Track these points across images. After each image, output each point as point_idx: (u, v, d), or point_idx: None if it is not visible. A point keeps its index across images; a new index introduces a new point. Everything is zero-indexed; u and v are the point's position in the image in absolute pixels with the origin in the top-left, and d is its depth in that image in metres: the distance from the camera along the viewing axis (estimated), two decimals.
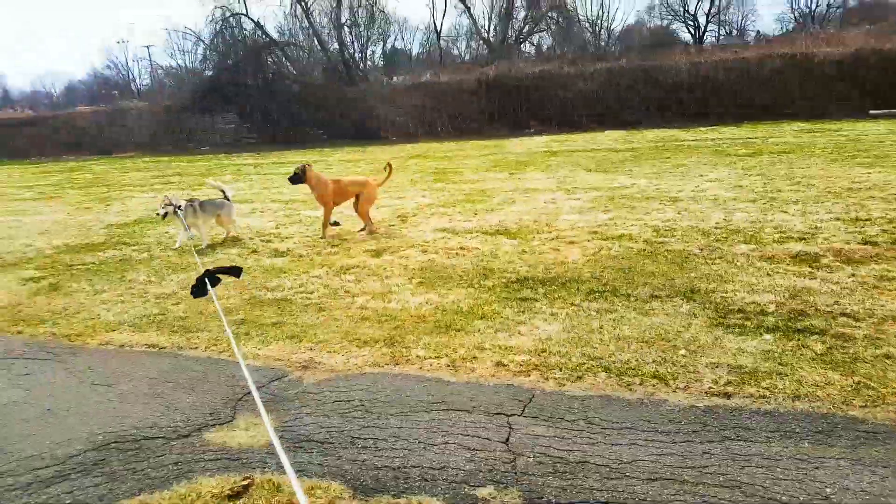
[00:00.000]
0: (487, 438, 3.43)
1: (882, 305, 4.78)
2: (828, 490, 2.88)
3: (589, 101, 22.12)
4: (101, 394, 4.24)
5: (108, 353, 4.96)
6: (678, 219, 7.86)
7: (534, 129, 22.10)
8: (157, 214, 7.91)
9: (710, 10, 47.52)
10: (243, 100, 26.34)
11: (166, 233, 9.19)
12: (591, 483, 3.03)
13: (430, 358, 4.42)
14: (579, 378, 4.04)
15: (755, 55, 21.55)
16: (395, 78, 33.39)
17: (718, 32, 50.07)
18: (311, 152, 21.53)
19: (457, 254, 7.06)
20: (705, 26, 48.24)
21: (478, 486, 3.05)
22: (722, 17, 49.67)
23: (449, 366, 4.31)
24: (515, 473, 3.13)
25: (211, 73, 29.42)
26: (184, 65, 41.38)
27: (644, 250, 6.66)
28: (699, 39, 46.72)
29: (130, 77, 65.73)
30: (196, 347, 4.94)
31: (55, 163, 27.46)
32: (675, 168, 11.64)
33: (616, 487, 2.99)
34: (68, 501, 3.12)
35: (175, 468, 3.33)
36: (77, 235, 9.67)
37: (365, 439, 3.48)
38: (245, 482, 3.15)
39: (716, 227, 7.35)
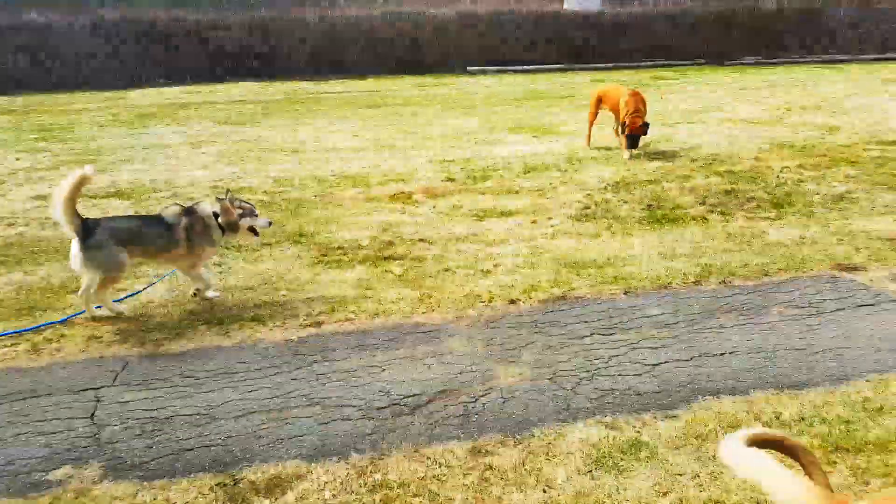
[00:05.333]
0: (70, 418, 3.23)
1: (450, 230, 5.71)
2: (389, 387, 3.39)
3: (227, 50, 21.19)
4: None
5: None
6: (298, 169, 8.15)
7: (163, 80, 20.41)
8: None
9: None
10: None
11: None
12: (179, 434, 3.08)
13: (5, 347, 3.93)
14: (179, 335, 4.01)
15: (378, 13, 22.98)
16: None
17: None
18: None
19: (56, 224, 6.28)
20: None
21: (52, 470, 2.86)
22: None
23: (30, 351, 3.88)
24: (98, 446, 3.02)
25: None
26: None
27: (262, 201, 6.77)
28: None
29: None
30: None
31: None
32: (303, 120, 11.98)
33: (203, 432, 3.09)
34: None
35: None
36: None
37: None
38: None
39: (331, 175, 7.82)
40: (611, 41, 21.38)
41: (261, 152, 9.16)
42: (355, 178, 7.62)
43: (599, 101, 8.77)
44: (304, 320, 4.15)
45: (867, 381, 3.34)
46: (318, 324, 4.11)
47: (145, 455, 2.94)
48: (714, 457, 2.78)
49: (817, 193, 6.54)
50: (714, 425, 2.99)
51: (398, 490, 2.68)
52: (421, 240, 5.47)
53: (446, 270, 4.82)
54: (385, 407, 3.23)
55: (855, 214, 5.91)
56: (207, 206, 4.38)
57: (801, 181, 7.00)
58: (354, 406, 3.25)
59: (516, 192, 6.86)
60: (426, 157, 8.65)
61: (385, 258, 5.10)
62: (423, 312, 4.20)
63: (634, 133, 8.04)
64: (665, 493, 2.59)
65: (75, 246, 4.04)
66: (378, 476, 2.77)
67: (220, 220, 4.35)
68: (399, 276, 4.77)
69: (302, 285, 4.67)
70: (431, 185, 7.23)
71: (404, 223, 5.93)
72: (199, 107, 13.91)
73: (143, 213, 5.00)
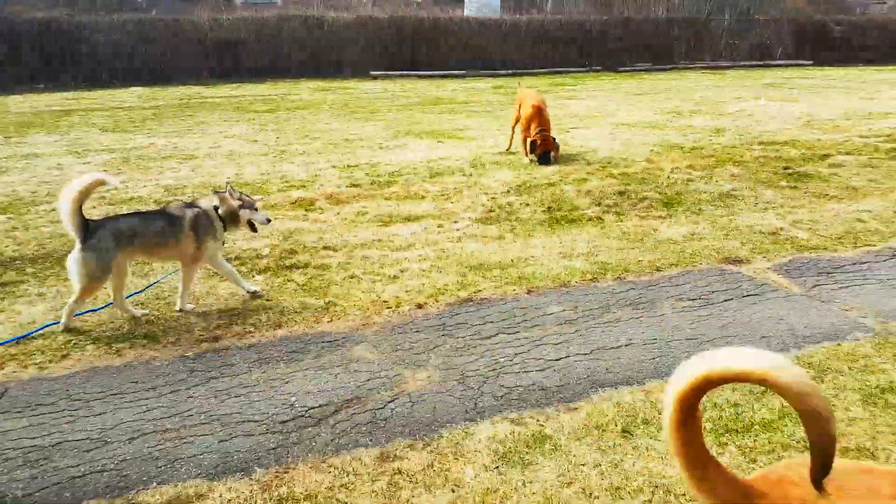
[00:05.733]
0: None
1: (355, 236, 5.65)
2: (293, 399, 3.30)
3: (114, 55, 20.03)
4: None
5: None
6: (192, 176, 7.83)
7: (44, 86, 19.09)
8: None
9: None
10: None
11: None
12: (67, 461, 2.87)
13: None
14: (65, 357, 3.75)
15: (274, 15, 22.49)
16: None
17: None
18: None
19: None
20: None
21: None
22: None
23: None
24: None
25: None
26: None
27: None
28: None
29: None
30: None
31: None
32: (197, 125, 11.53)
33: (95, 457, 2.89)
34: None
35: None
36: None
37: None
38: None
39: (227, 182, 7.53)
40: (510, 48, 21.92)
41: (151, 160, 8.74)
42: (253, 186, 7.39)
43: (521, 106, 8.88)
44: (201, 335, 3.98)
45: None
46: (216, 338, 3.95)
47: (29, 486, 2.72)
48: (614, 445, 2.88)
49: (705, 192, 6.94)
50: (613, 415, 3.10)
51: (305, 502, 2.61)
52: (325, 247, 5.38)
53: (352, 277, 4.76)
54: (289, 420, 3.14)
55: (740, 211, 6.31)
56: (207, 201, 4.36)
57: (690, 181, 7.40)
58: (257, 421, 3.15)
59: (422, 197, 6.88)
60: (329, 162, 8.53)
61: (287, 267, 4.98)
62: (329, 321, 4.12)
63: (546, 151, 8.20)
64: (569, 484, 2.65)
65: (74, 250, 3.89)
66: (284, 489, 2.69)
67: (220, 211, 4.30)
68: (302, 285, 4.66)
69: (197, 299, 4.47)
70: (335, 190, 7.12)
71: (307, 230, 5.81)
72: (84, 113, 13.11)
73: (145, 210, 4.94)
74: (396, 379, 3.46)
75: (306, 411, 3.20)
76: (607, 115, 12.41)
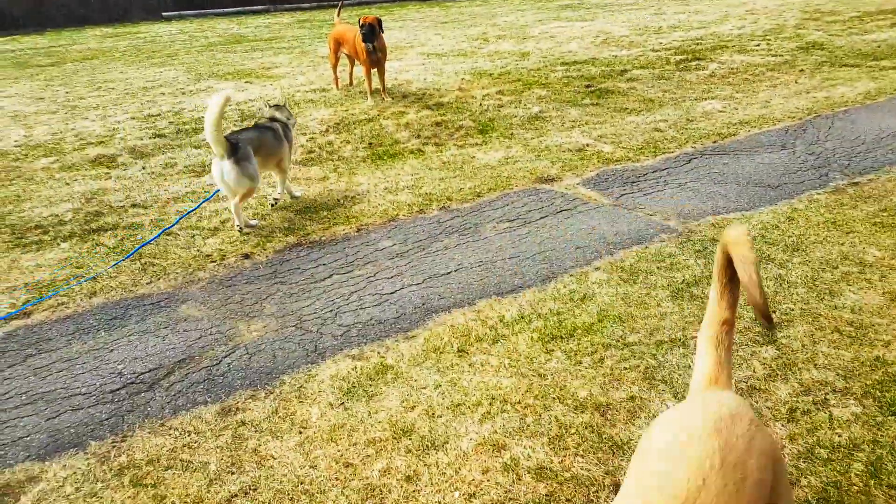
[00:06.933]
0: None
1: (165, 190, 5.29)
2: (121, 367, 3.13)
3: None
4: None
5: None
6: None
7: None
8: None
9: None
10: None
11: None
12: None
13: None
14: None
15: None
16: None
17: None
18: None
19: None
20: None
21: None
22: None
23: None
24: None
25: None
26: None
27: None
28: None
29: None
30: None
31: None
32: None
33: None
34: None
35: None
36: None
37: None
38: None
39: (15, 146, 6.69)
40: None
41: None
42: (45, 146, 6.61)
43: (338, 44, 8.53)
44: (10, 312, 3.60)
45: (571, 275, 3.86)
46: (27, 314, 3.60)
47: None
48: (452, 365, 3.07)
49: (515, 116, 7.27)
50: (449, 337, 3.28)
51: (148, 467, 2.52)
52: (133, 205, 5.00)
53: (168, 234, 4.49)
54: (120, 388, 2.98)
55: (548, 131, 6.70)
56: (280, 114, 4.98)
57: (501, 106, 7.70)
58: (84, 394, 2.95)
59: None
60: (127, 113, 7.80)
61: (94, 231, 4.58)
62: (148, 283, 3.89)
63: (368, 23, 7.68)
64: (413, 407, 2.80)
65: (226, 164, 4.28)
66: (123, 458, 2.58)
67: (290, 121, 5.04)
68: (113, 247, 4.33)
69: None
70: (138, 143, 6.57)
71: (112, 189, 5.34)
72: None
73: (249, 126, 5.09)
74: (230, 332, 3.39)
75: (136, 377, 3.05)
76: (417, 45, 12.43)
